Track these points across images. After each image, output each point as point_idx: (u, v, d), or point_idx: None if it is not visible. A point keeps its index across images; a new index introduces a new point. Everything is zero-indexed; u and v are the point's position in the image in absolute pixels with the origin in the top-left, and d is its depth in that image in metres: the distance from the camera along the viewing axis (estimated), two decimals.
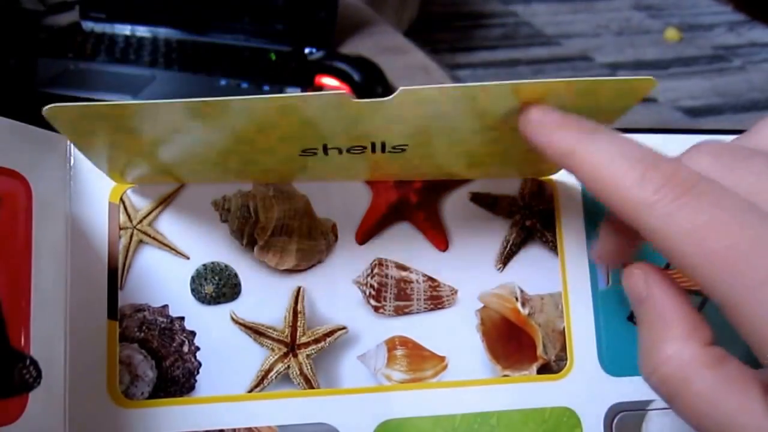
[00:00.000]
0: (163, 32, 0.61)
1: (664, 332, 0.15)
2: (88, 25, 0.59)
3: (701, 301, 0.25)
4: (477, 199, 0.25)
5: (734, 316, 0.13)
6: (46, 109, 0.17)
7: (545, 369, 0.24)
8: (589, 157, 0.16)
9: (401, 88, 0.17)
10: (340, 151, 0.21)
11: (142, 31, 0.61)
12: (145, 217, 0.23)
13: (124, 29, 0.61)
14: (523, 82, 0.17)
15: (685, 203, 0.13)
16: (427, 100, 0.18)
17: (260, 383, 0.23)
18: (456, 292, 0.25)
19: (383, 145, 0.21)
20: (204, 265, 0.23)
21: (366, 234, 0.25)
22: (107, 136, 0.19)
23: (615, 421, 0.24)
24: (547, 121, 0.17)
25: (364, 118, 0.19)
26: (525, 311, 0.24)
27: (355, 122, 0.19)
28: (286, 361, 0.23)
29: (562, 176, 0.26)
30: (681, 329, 0.15)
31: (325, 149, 0.21)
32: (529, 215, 0.25)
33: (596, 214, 0.26)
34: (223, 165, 0.22)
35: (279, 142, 0.20)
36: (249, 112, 0.18)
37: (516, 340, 0.25)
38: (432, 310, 0.24)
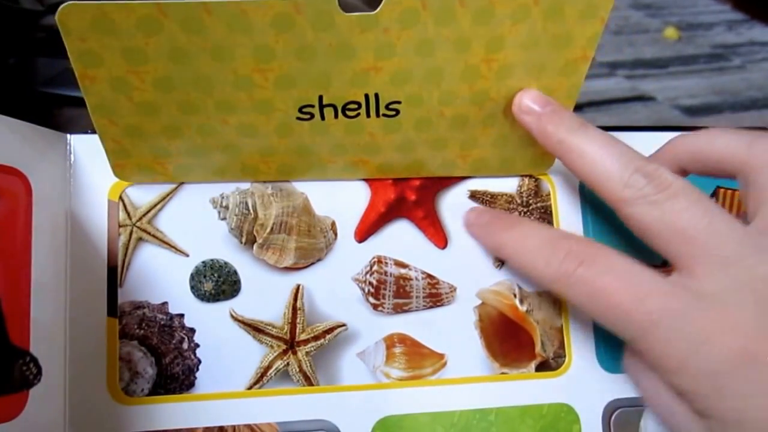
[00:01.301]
0: None
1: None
2: None
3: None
4: (475, 196, 0.25)
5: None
6: (61, 8, 0.18)
7: (543, 366, 0.24)
8: (580, 149, 0.18)
9: None
10: (336, 113, 0.21)
11: None
12: (144, 215, 0.23)
13: None
14: None
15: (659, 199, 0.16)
16: (411, 13, 0.19)
17: (260, 380, 0.23)
18: (455, 289, 0.25)
19: (377, 102, 0.21)
20: (203, 262, 0.23)
21: (365, 232, 0.25)
22: (113, 61, 0.19)
23: (613, 417, 0.24)
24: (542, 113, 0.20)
25: (356, 46, 0.19)
26: (523, 308, 0.24)
27: (346, 50, 0.19)
28: (285, 358, 0.23)
29: (560, 174, 0.26)
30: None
31: (322, 107, 0.21)
32: (527, 212, 0.25)
33: (594, 211, 0.26)
34: (223, 135, 0.22)
35: (276, 89, 0.20)
36: (245, 20, 0.18)
37: (514, 338, 0.25)
38: (431, 307, 0.24)
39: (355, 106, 0.21)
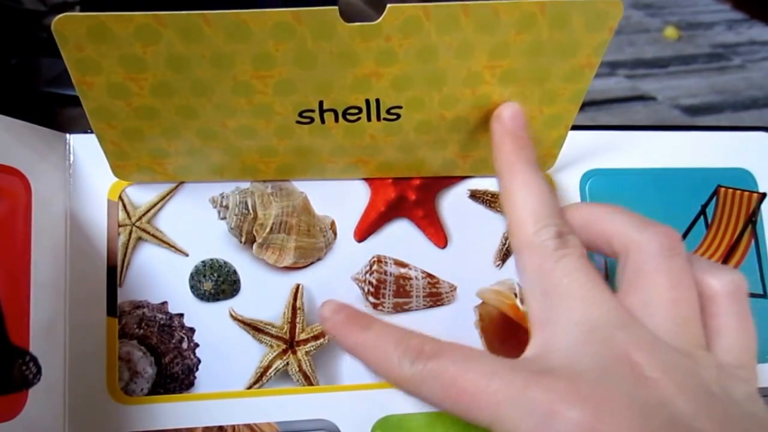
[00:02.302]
0: None
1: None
2: None
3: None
4: (475, 195, 0.25)
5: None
6: (57, 19, 0.17)
7: None
8: (525, 180, 0.19)
9: (389, 5, 0.18)
10: (336, 117, 0.21)
11: None
12: (144, 215, 0.23)
13: None
14: (501, 2, 0.18)
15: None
16: (414, 22, 0.18)
17: (259, 380, 0.23)
18: (455, 288, 0.25)
19: (378, 107, 0.21)
20: (203, 261, 0.23)
21: (365, 231, 0.25)
22: (110, 68, 0.19)
23: None
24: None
25: (358, 54, 0.19)
26: (524, 308, 0.24)
27: (348, 58, 0.19)
28: (285, 357, 0.23)
29: (560, 174, 0.26)
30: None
31: (322, 111, 0.21)
32: None
33: None
34: (222, 138, 0.22)
35: (276, 94, 0.20)
36: (245, 29, 0.18)
37: (515, 337, 0.25)
38: (431, 306, 0.24)
39: (356, 110, 0.21)
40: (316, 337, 0.23)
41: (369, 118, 0.21)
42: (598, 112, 0.39)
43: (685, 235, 0.26)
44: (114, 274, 0.23)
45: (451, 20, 0.19)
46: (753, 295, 0.26)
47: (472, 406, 0.15)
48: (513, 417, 0.15)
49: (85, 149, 0.23)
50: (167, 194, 0.24)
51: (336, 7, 0.18)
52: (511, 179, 0.19)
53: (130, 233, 0.23)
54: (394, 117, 0.21)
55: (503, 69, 0.20)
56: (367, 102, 0.21)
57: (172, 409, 0.23)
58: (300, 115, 0.21)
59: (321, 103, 0.21)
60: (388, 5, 0.18)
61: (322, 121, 0.21)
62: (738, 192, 0.26)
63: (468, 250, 0.25)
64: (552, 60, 0.20)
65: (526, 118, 0.20)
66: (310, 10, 0.18)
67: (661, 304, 0.16)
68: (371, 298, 0.24)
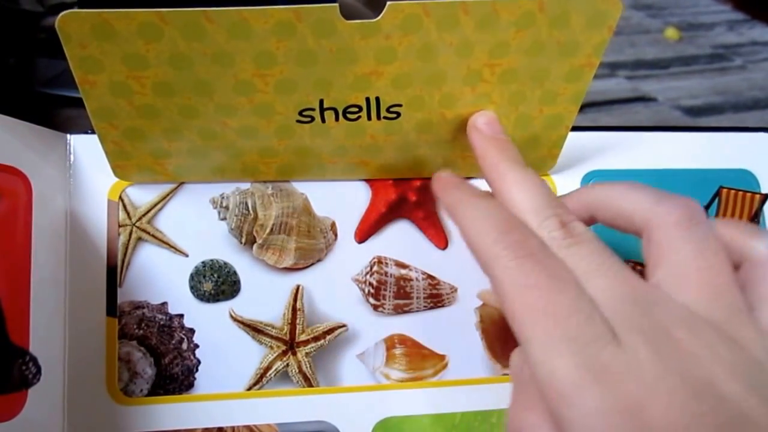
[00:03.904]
0: None
1: (527, 390, 0.17)
2: None
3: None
4: None
5: (530, 359, 0.15)
6: (61, 16, 0.17)
7: None
8: (514, 181, 0.19)
9: (389, 3, 0.18)
10: (337, 116, 0.21)
11: None
12: (144, 215, 0.23)
13: None
14: (500, 0, 0.18)
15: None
16: (414, 20, 0.18)
17: (259, 381, 0.23)
18: (456, 290, 0.25)
19: (378, 105, 0.21)
20: (203, 262, 0.23)
21: (365, 232, 0.24)
22: (113, 67, 0.19)
23: None
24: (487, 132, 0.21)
25: (357, 52, 0.19)
26: None
27: (348, 56, 0.19)
28: (285, 359, 0.23)
29: (561, 174, 0.26)
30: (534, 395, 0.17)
31: (322, 110, 0.21)
32: None
33: None
34: (223, 137, 0.22)
35: (276, 93, 0.20)
36: (246, 27, 0.18)
37: (516, 339, 0.25)
38: (432, 308, 0.24)
39: (356, 109, 0.21)
40: (316, 339, 0.23)
41: (369, 117, 0.21)
42: (599, 114, 0.39)
43: None
44: (114, 274, 0.23)
45: (450, 18, 0.19)
46: None
47: (536, 330, 0.15)
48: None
49: (86, 149, 0.23)
50: (167, 195, 0.24)
51: (336, 5, 0.18)
52: (502, 182, 0.18)
53: (131, 233, 0.23)
54: (394, 116, 0.21)
55: (503, 68, 0.20)
56: (367, 100, 0.21)
57: (172, 410, 0.22)
58: (300, 114, 0.21)
59: (321, 102, 0.21)
60: (388, 3, 0.18)
61: (323, 120, 0.21)
62: (740, 193, 0.26)
63: (469, 252, 0.25)
64: (552, 59, 0.20)
65: (526, 118, 0.20)
66: (310, 7, 0.18)
67: (690, 275, 0.16)
68: (371, 300, 0.24)
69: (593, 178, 0.26)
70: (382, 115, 0.21)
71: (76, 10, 0.17)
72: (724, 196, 0.26)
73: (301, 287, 0.24)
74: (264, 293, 0.24)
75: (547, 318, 0.15)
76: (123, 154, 0.22)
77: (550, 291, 0.15)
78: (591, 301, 0.15)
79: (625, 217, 0.18)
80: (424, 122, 0.22)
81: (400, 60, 0.20)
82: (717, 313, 0.15)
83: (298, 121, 0.21)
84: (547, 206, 0.17)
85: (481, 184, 0.25)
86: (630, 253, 0.20)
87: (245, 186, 0.24)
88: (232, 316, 0.23)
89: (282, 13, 0.18)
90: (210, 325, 0.23)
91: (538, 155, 0.24)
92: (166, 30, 0.18)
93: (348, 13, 0.18)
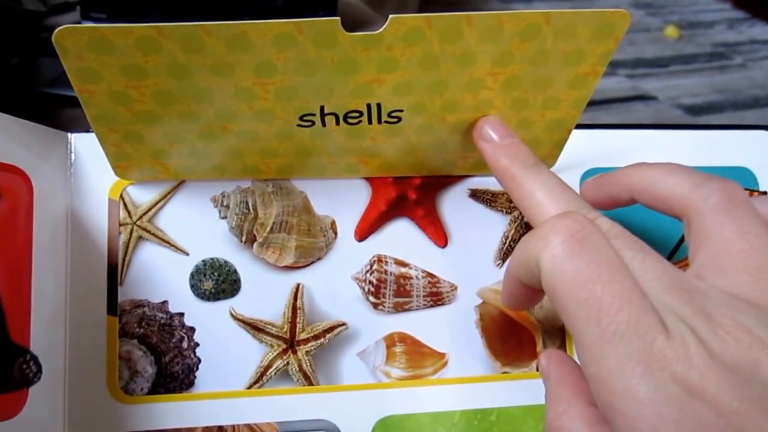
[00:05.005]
0: None
1: (558, 394, 0.17)
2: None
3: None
4: (476, 195, 0.25)
5: (581, 352, 0.15)
6: (57, 31, 0.17)
7: None
8: (530, 189, 0.19)
9: (391, 16, 0.18)
10: (338, 120, 0.21)
11: None
12: (144, 214, 0.23)
13: None
14: (505, 12, 0.18)
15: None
16: (416, 32, 0.18)
17: (259, 379, 0.23)
18: (456, 288, 0.25)
19: (379, 111, 0.21)
20: (203, 260, 0.23)
21: (365, 230, 0.25)
22: (111, 77, 0.19)
23: None
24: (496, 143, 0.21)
25: (359, 62, 0.19)
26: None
27: (349, 66, 0.19)
28: (285, 357, 0.23)
29: (561, 175, 0.26)
30: (570, 392, 0.17)
31: (323, 115, 0.21)
32: None
33: None
34: (223, 139, 0.22)
35: (277, 100, 0.20)
36: (245, 40, 0.18)
37: (515, 337, 0.25)
38: (431, 306, 0.24)
39: (357, 114, 0.21)
40: (316, 337, 0.23)
41: (370, 122, 0.21)
42: (599, 112, 0.39)
43: None
44: (114, 272, 0.23)
45: (453, 30, 0.18)
46: None
47: (585, 318, 0.15)
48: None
49: (87, 148, 0.23)
50: (168, 193, 0.24)
51: (338, 18, 0.18)
52: (521, 190, 0.19)
53: (131, 232, 0.23)
54: (395, 120, 0.21)
55: (506, 76, 0.20)
56: (368, 106, 0.21)
57: (172, 409, 0.22)
58: (301, 119, 0.21)
59: (322, 108, 0.20)
60: (390, 16, 0.18)
61: (323, 124, 0.21)
62: (748, 192, 0.26)
63: (468, 250, 0.25)
64: (556, 68, 0.20)
65: (527, 122, 0.20)
66: (311, 20, 0.18)
67: (732, 258, 0.15)
68: (371, 298, 0.24)
69: (593, 176, 0.26)
70: (383, 120, 0.21)
71: (73, 25, 0.17)
72: None
73: (301, 286, 0.24)
74: (264, 292, 0.24)
75: (600, 309, 0.15)
76: (123, 155, 0.22)
77: (607, 281, 0.15)
78: (642, 291, 0.15)
79: (664, 202, 0.18)
80: (425, 126, 0.22)
81: (402, 69, 0.19)
82: (757, 295, 0.15)
83: (299, 126, 0.21)
84: (569, 206, 0.17)
85: (481, 182, 0.25)
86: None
87: (246, 184, 0.24)
88: (232, 315, 0.23)
89: (282, 26, 0.18)
90: (210, 324, 0.23)
91: (538, 155, 0.24)
92: (165, 43, 0.18)
93: (349, 12, 0.18)
